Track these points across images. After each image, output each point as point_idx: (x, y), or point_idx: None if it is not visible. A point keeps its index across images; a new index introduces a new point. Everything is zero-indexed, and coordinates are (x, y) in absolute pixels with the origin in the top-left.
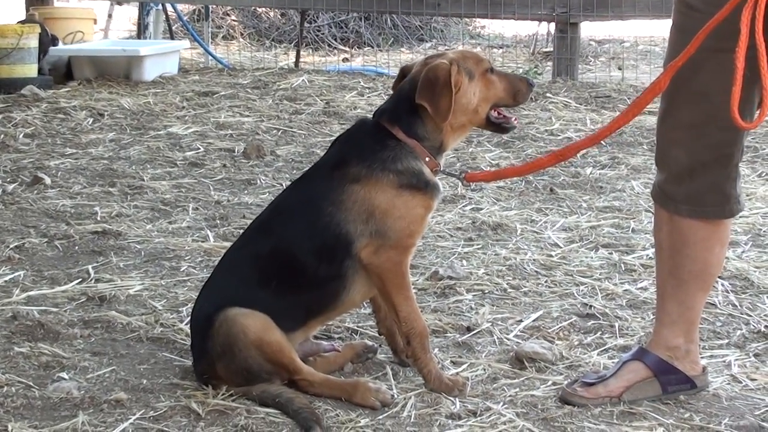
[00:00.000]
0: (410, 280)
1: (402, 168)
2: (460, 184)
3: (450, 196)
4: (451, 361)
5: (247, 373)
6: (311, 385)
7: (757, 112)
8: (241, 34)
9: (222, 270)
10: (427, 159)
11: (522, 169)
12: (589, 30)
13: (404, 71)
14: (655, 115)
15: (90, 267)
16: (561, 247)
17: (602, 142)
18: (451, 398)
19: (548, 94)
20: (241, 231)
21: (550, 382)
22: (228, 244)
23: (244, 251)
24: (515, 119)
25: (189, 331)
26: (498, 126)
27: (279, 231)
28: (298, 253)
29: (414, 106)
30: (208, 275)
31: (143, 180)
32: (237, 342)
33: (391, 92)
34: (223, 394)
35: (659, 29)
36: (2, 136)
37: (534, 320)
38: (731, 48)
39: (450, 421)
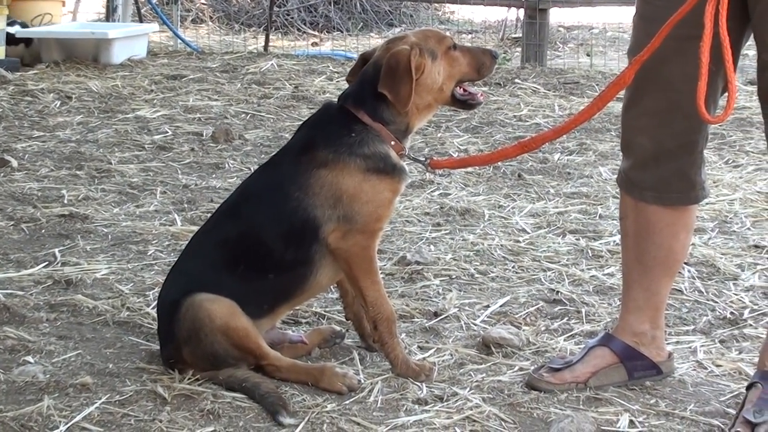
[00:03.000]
0: (378, 264)
1: (369, 152)
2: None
3: (418, 181)
4: (418, 347)
5: (214, 359)
6: (278, 370)
7: (723, 98)
8: (211, 18)
9: (189, 254)
10: (392, 143)
11: (487, 158)
12: (558, 16)
13: (364, 58)
14: (622, 102)
15: (56, 250)
16: (528, 233)
17: None
18: (418, 383)
19: (517, 80)
20: (209, 215)
21: (516, 368)
22: (196, 228)
23: (211, 236)
24: (481, 95)
25: (156, 315)
26: (464, 103)
27: (246, 216)
28: (266, 238)
29: (378, 90)
30: (176, 259)
31: (111, 163)
32: (203, 327)
33: (346, 81)
34: (189, 379)
35: (628, 16)
36: None
37: (501, 306)
38: (696, 35)
39: (416, 406)
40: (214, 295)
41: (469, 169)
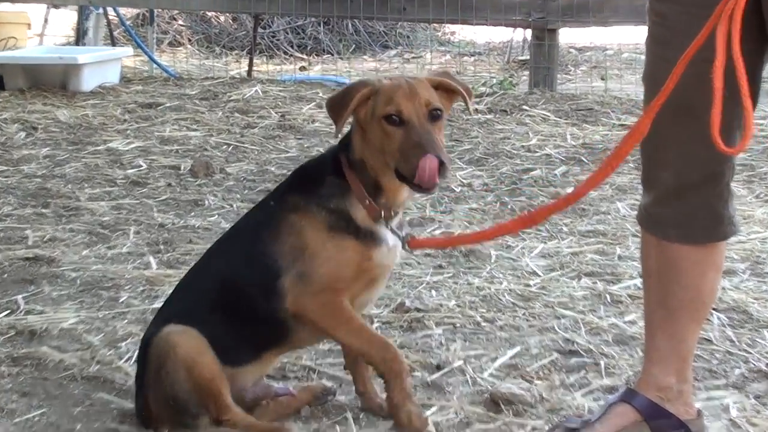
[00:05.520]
0: (349, 308)
1: (334, 207)
2: (427, 206)
3: (417, 219)
4: (420, 404)
5: (174, 403)
6: (234, 426)
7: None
8: (189, 41)
9: (174, 294)
10: (367, 202)
11: (478, 236)
12: (569, 37)
13: None
14: None
15: (20, 297)
16: (540, 276)
17: (584, 159)
18: None
19: (525, 107)
20: (187, 257)
21: (529, 427)
22: (172, 272)
23: (196, 275)
24: (429, 179)
25: (128, 369)
26: (407, 181)
27: (229, 258)
28: (244, 284)
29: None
30: (151, 306)
31: (80, 200)
32: (167, 361)
33: None
34: None
35: (644, 36)
36: None
37: (511, 357)
38: (710, 58)
39: None
40: (183, 326)
41: (474, 205)
